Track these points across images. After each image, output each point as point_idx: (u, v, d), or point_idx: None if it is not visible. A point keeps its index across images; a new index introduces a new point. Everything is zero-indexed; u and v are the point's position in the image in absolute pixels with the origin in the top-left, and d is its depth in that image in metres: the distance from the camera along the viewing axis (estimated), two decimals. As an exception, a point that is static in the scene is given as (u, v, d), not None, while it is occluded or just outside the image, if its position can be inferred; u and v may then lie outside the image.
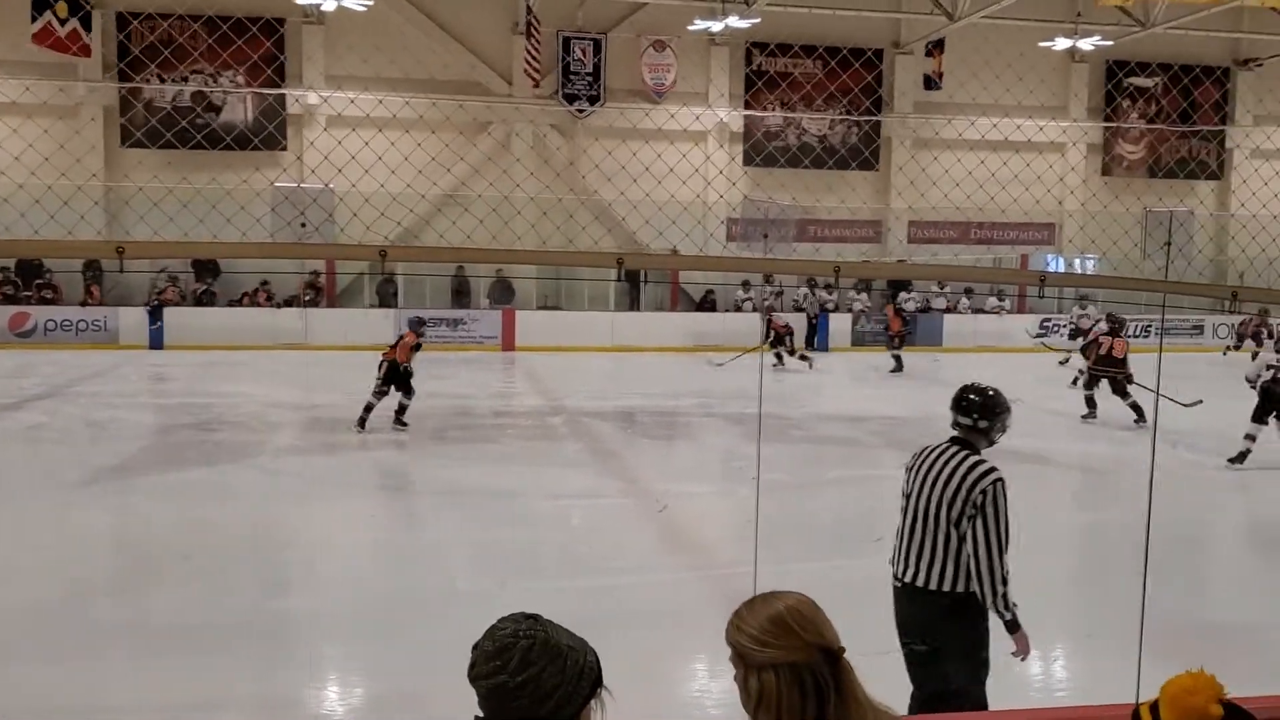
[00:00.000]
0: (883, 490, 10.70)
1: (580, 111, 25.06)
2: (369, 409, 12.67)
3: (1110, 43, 24.35)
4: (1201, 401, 12.50)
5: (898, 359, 20.39)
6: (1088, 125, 27.57)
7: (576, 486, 10.34)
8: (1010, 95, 23.51)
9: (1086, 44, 23.87)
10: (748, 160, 25.91)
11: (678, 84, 25.23)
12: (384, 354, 12.85)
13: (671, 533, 9.00)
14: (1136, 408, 13.87)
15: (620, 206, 22.25)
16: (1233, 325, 25.33)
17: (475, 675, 1.89)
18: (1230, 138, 28.27)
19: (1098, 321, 19.09)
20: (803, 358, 20.39)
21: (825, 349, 24.20)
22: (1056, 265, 27.70)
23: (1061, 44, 23.91)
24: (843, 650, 1.98)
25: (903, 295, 25.99)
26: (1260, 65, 27.49)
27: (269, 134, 23.34)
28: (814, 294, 24.63)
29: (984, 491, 4.16)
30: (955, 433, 4.41)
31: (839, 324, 25.08)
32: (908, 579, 4.32)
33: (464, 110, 23.27)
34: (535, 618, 1.93)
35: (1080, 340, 17.98)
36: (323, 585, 7.36)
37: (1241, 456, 11.38)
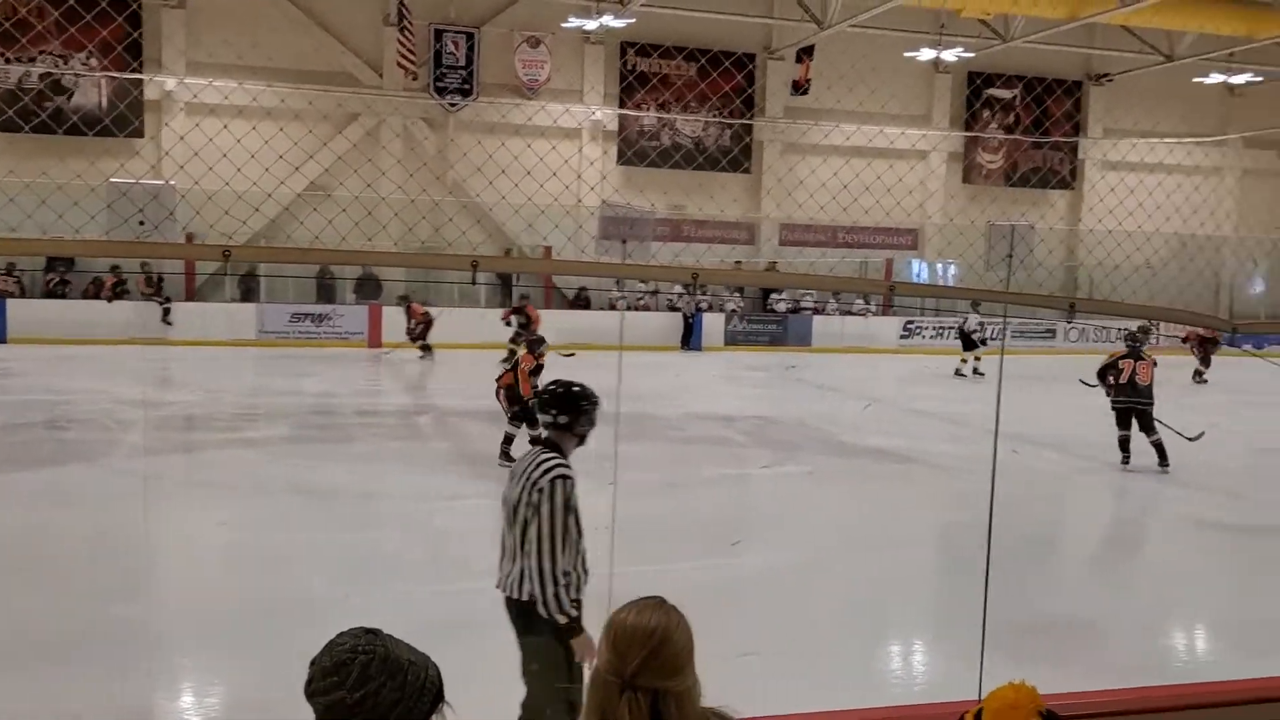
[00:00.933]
0: (753, 489, 10.86)
1: (452, 105, 24.70)
2: (509, 440, 11.05)
3: (972, 54, 25.13)
4: (1204, 434, 11.81)
5: None
6: (949, 134, 28.39)
7: (442, 488, 10.13)
8: (876, 103, 24.05)
9: (949, 55, 24.58)
10: (621, 158, 25.92)
11: (551, 80, 25.08)
12: (499, 380, 11.33)
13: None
14: (1161, 450, 11.58)
15: (490, 199, 22.04)
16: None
17: (312, 692, 1.83)
18: (1082, 149, 29.46)
19: (978, 328, 19.66)
20: (424, 348, 20.18)
21: (699, 348, 24.38)
22: (920, 270, 28.48)
23: (926, 54, 24.55)
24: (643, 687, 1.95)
25: (773, 296, 26.38)
26: (1110, 80, 28.73)
27: (124, 119, 22.33)
28: (690, 293, 24.77)
29: (540, 490, 3.99)
30: (544, 434, 4.32)
31: (713, 323, 25.26)
32: (496, 587, 4.14)
33: (332, 100, 22.70)
34: (375, 632, 1.89)
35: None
36: (172, 592, 7.03)
37: None
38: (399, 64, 23.85)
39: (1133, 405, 11.55)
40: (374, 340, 22.79)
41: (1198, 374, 20.44)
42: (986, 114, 28.81)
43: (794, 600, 7.34)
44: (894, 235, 28.11)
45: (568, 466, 4.10)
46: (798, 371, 20.81)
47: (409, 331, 20.38)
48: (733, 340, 25.23)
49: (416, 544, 8.38)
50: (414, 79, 24.22)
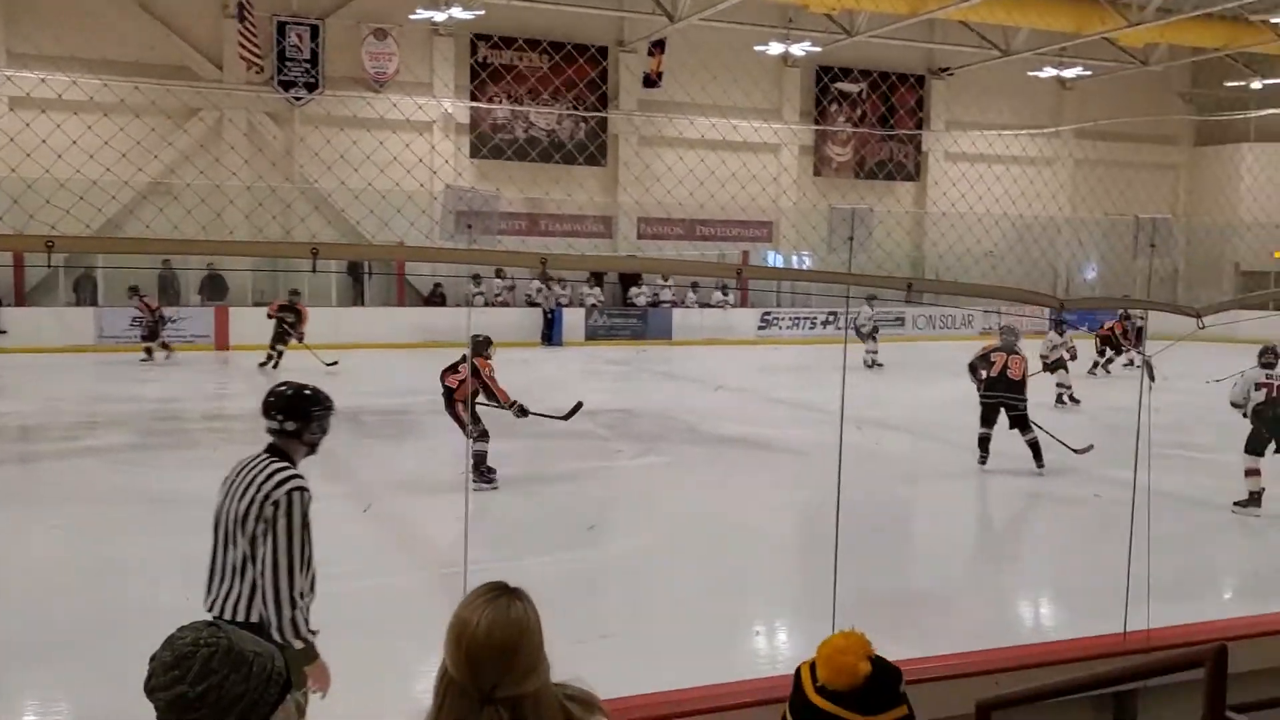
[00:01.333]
0: (614, 480, 10.89)
1: (297, 99, 24.05)
2: (482, 459, 10.02)
3: (819, 49, 25.69)
4: (1093, 447, 11.23)
5: None
6: (799, 128, 28.97)
7: (296, 490, 9.82)
8: (728, 96, 24.39)
9: (798, 49, 25.08)
10: (474, 152, 25.67)
11: (400, 73, 24.64)
12: (455, 392, 10.02)
13: (394, 535, 8.74)
14: (1036, 449, 10.94)
15: (341, 197, 21.54)
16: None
17: (152, 688, 1.77)
18: (926, 141, 30.43)
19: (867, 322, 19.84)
20: (164, 345, 19.77)
21: (560, 344, 24.31)
22: (775, 261, 29.00)
23: (775, 49, 25.00)
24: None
25: (633, 290, 26.50)
26: (951, 74, 29.75)
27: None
28: (549, 288, 24.68)
29: (275, 503, 3.66)
30: (269, 439, 3.90)
31: (573, 318, 25.23)
32: (208, 608, 3.74)
33: (171, 95, 21.83)
34: (216, 624, 1.84)
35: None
36: (10, 604, 6.66)
37: (1255, 499, 9.30)
38: (241, 57, 23.11)
39: (1001, 400, 10.96)
40: (220, 343, 22.04)
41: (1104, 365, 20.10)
42: (835, 108, 29.48)
43: (654, 584, 7.39)
44: (749, 228, 28.56)
45: (303, 478, 3.77)
46: (661, 365, 20.97)
47: (144, 327, 19.55)
48: (593, 335, 25.26)
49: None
50: (259, 72, 23.49)
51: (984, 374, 11.13)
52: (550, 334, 24.48)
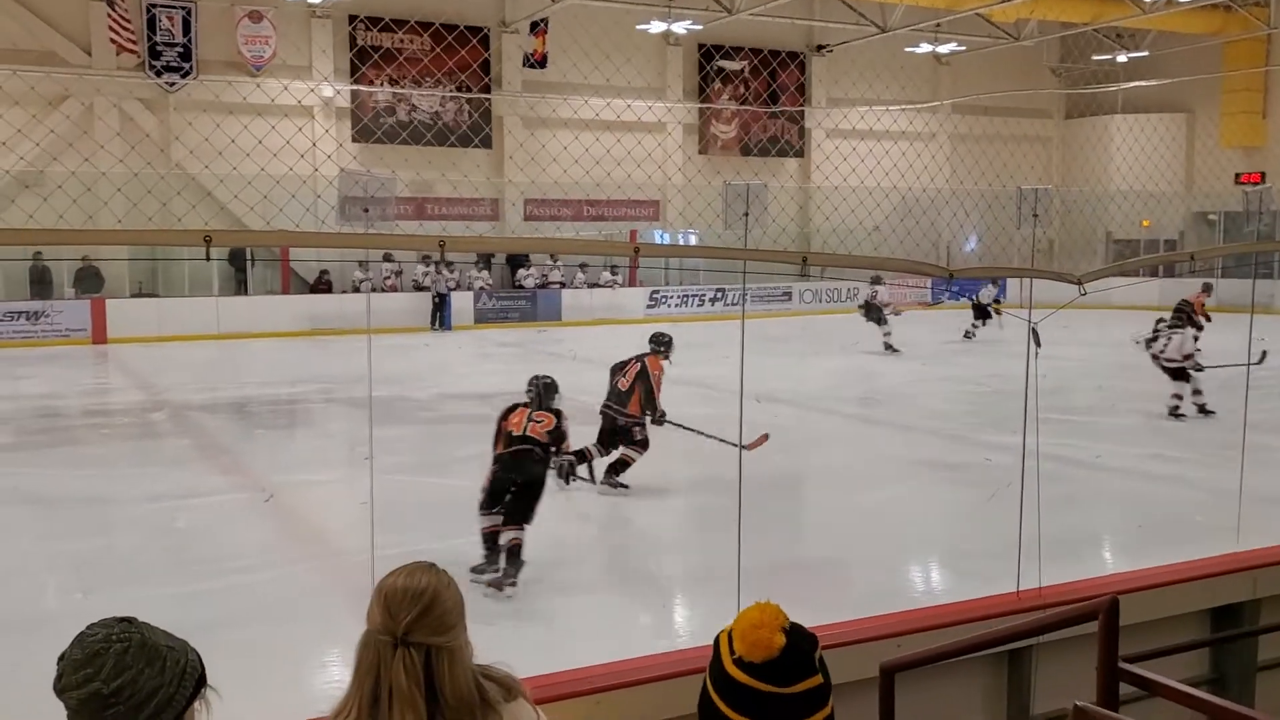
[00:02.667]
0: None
1: (170, 85, 23.24)
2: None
3: (700, 27, 25.80)
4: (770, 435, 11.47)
5: None
6: (684, 106, 29.08)
7: (183, 486, 9.56)
8: (613, 76, 24.33)
9: (680, 28, 25.16)
10: (360, 137, 25.15)
11: (278, 56, 23.99)
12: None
13: (292, 525, 8.57)
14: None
15: (224, 187, 20.90)
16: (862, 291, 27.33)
17: (63, 687, 1.73)
18: (810, 118, 30.83)
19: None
20: None
21: (449, 328, 24.05)
22: (663, 239, 29.14)
23: (657, 27, 25.03)
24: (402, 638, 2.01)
25: (521, 272, 26.33)
26: (831, 51, 30.17)
27: None
28: (438, 272, 24.33)
29: None
30: None
31: (462, 302, 24.95)
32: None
33: (49, 80, 20.91)
34: (129, 620, 1.81)
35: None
36: None
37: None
38: (112, 41, 22.23)
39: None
40: (98, 336, 21.25)
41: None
42: (718, 85, 29.66)
43: (559, 564, 7.37)
44: (637, 207, 28.60)
45: None
46: (554, 345, 20.90)
47: None
48: (483, 318, 25.03)
49: (156, 546, 7.88)
50: (135, 55, 22.64)
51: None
52: (440, 318, 24.18)
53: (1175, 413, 12.82)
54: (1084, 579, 4.72)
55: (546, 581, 7.08)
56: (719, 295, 27.63)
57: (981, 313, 21.11)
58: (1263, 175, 30.56)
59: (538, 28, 26.13)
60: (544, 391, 7.79)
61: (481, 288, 25.66)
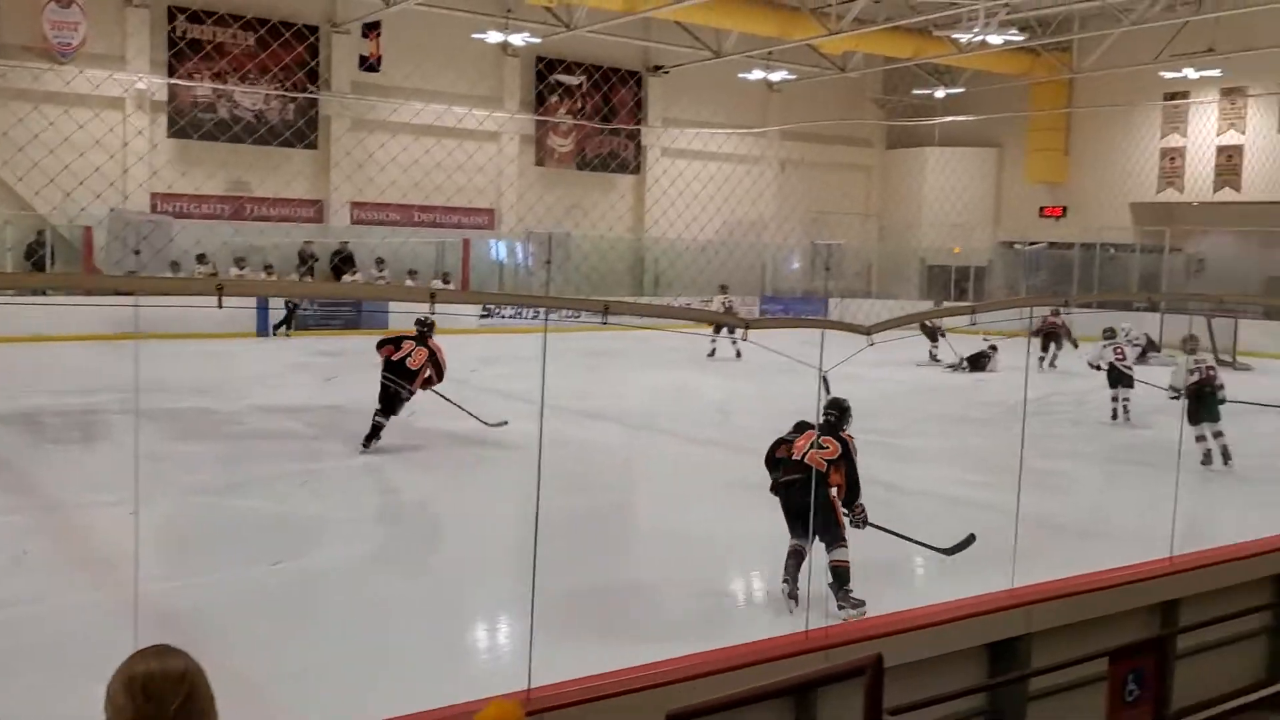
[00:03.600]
0: (322, 483, 10.47)
1: (-33, 67, 21.78)
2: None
3: (538, 40, 25.76)
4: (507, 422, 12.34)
5: None
6: (520, 118, 28.97)
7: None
8: (448, 82, 24.08)
9: (517, 39, 25.04)
10: (173, 131, 24.10)
11: (89, 44, 22.77)
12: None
13: (80, 551, 8.09)
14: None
15: (25, 184, 19.68)
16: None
17: None
18: (645, 136, 31.14)
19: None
20: None
21: (269, 334, 23.23)
22: (497, 249, 28.90)
23: (494, 37, 24.87)
24: None
25: (346, 277, 25.67)
26: (666, 72, 30.56)
27: None
28: (267, 277, 23.44)
29: None
30: None
31: (280, 305, 24.03)
32: None
33: None
34: None
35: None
36: None
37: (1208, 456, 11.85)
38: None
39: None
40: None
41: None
42: (555, 99, 29.66)
43: (365, 598, 7.18)
44: (471, 215, 28.32)
45: None
46: (375, 357, 20.43)
47: None
48: (304, 325, 24.26)
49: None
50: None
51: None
52: (264, 324, 23.33)
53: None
54: (872, 617, 4.87)
55: (347, 618, 6.88)
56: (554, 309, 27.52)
57: (932, 334, 21.78)
58: (1064, 210, 32.46)
59: (371, 30, 25.60)
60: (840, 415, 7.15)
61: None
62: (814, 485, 6.23)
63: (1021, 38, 25.53)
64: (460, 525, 8.90)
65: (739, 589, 7.95)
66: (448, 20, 23.65)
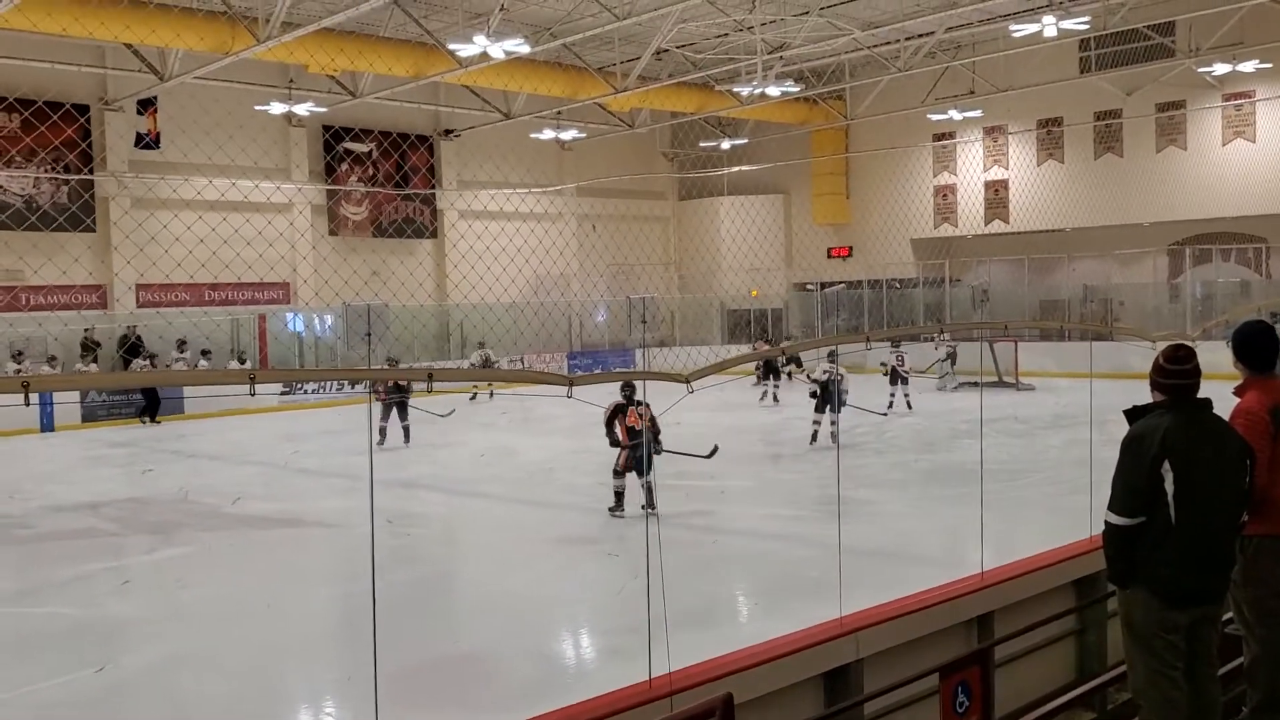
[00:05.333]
0: (127, 582, 9.88)
1: None
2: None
3: (325, 109, 25.40)
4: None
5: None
6: (311, 187, 28.42)
7: None
8: (232, 156, 23.39)
9: (302, 109, 24.63)
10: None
11: None
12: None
13: None
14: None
15: None
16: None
17: None
18: (441, 199, 31.03)
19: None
20: None
21: (51, 429, 21.85)
22: (296, 321, 28.13)
23: (278, 108, 24.39)
24: None
25: (137, 362, 24.45)
26: (458, 135, 30.61)
27: None
28: (51, 367, 22.01)
29: None
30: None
31: (67, 397, 22.62)
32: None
33: None
34: None
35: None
36: None
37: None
38: None
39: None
40: None
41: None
42: (346, 167, 29.24)
43: (185, 699, 6.81)
44: (265, 289, 27.47)
45: None
46: (176, 443, 19.51)
47: None
48: (93, 415, 22.92)
49: None
50: None
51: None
52: (46, 419, 21.91)
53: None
54: (711, 659, 4.95)
55: None
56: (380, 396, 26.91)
57: (772, 370, 23.47)
58: (850, 249, 34.06)
59: (148, 106, 24.67)
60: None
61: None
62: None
63: (798, 89, 26.77)
64: (278, 613, 8.54)
65: (574, 647, 7.91)
66: (228, 92, 23.04)
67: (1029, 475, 13.55)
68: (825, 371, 15.82)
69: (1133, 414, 4.39)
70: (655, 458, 11.03)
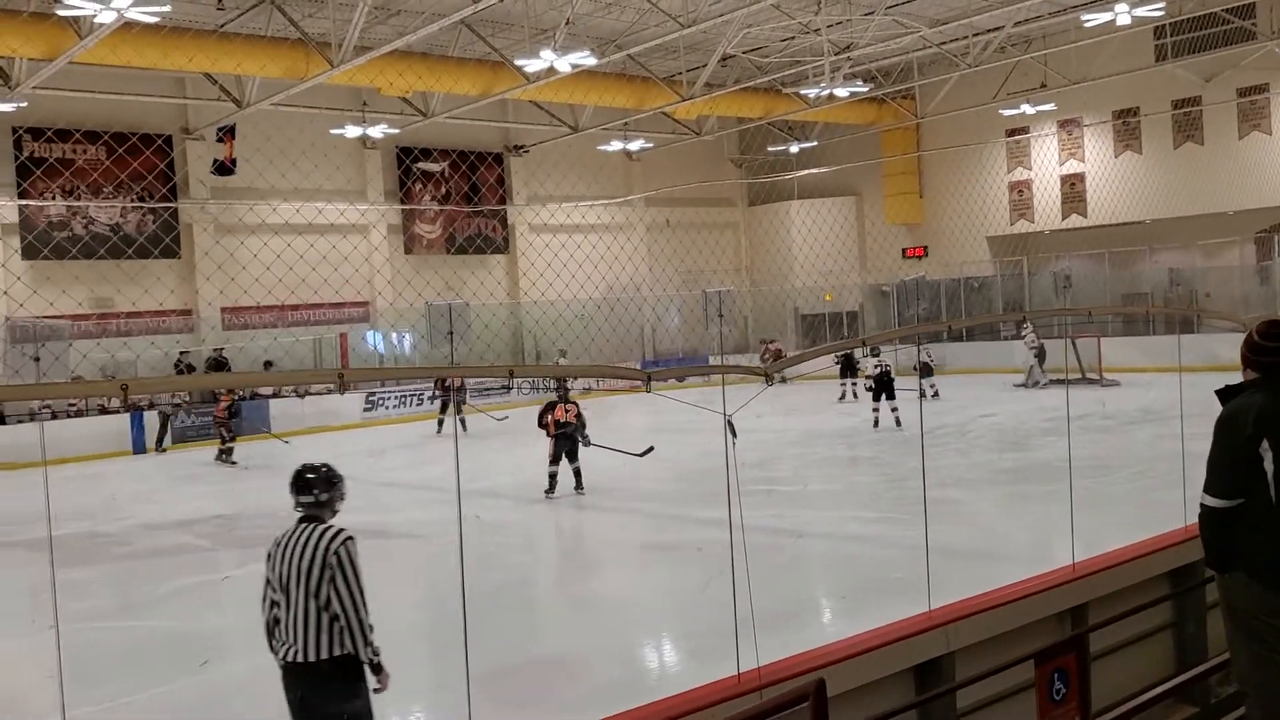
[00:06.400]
0: (220, 595, 10.14)
1: None
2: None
3: (397, 130, 25.82)
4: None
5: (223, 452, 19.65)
6: (385, 208, 28.91)
7: None
8: (309, 179, 23.92)
9: (376, 132, 25.06)
10: (31, 254, 23.36)
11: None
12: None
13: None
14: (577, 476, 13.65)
15: None
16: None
17: None
18: (512, 214, 31.35)
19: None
20: None
21: (144, 450, 22.46)
22: (376, 340, 28.59)
23: (353, 131, 24.85)
24: None
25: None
26: (527, 151, 30.90)
27: None
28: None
29: (336, 553, 4.57)
30: (300, 513, 4.78)
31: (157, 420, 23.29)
32: (290, 657, 4.56)
33: None
34: None
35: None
36: None
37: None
38: None
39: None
40: None
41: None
42: (420, 187, 29.69)
43: (279, 708, 6.94)
44: (345, 309, 27.99)
45: (347, 529, 4.72)
46: (262, 460, 19.93)
47: None
48: (183, 437, 23.54)
49: None
50: None
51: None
52: (138, 441, 22.54)
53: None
54: (798, 653, 4.93)
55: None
56: (438, 394, 27.29)
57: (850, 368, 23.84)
58: (925, 249, 33.67)
59: (226, 134, 25.31)
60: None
61: (178, 404, 24.15)
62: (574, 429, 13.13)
63: (866, 88, 26.58)
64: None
65: (658, 648, 7.93)
66: (304, 118, 23.54)
67: (1118, 471, 13.25)
68: (877, 365, 18.63)
69: (1225, 393, 4.28)
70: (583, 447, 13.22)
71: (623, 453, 13.03)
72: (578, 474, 13.34)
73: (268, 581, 4.65)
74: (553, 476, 13.36)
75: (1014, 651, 5.19)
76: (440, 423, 20.42)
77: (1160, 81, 26.85)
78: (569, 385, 13.96)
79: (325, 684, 4.53)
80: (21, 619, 9.22)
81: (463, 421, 19.96)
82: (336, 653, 4.52)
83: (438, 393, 20.17)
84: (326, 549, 4.56)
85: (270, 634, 4.68)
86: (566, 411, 13.38)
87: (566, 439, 13.36)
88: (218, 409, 19.66)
